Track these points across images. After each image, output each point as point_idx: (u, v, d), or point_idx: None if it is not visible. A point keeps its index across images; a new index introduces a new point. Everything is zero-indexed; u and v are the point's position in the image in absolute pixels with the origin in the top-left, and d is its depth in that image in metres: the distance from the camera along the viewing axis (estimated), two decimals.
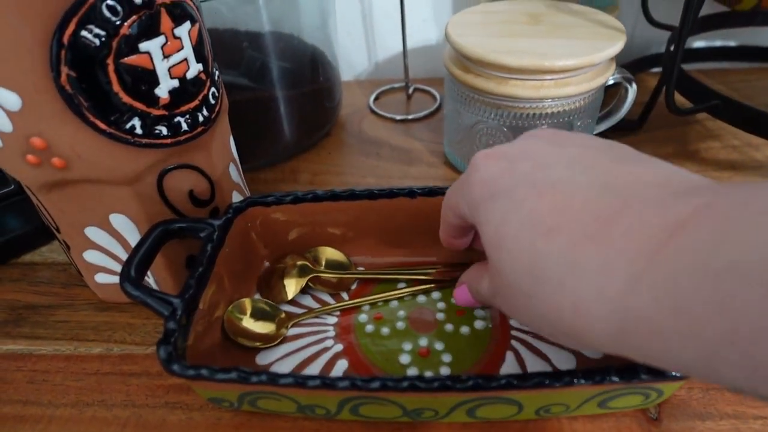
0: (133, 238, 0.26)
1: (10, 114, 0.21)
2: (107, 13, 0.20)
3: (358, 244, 0.29)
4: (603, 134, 0.37)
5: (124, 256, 0.27)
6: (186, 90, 0.24)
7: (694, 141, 0.39)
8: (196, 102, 0.25)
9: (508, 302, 0.18)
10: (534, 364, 0.24)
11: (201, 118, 0.25)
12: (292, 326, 0.26)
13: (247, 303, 0.26)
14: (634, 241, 0.13)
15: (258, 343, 0.25)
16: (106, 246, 0.27)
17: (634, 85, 0.35)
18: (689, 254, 0.12)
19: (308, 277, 0.27)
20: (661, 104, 0.36)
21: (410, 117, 0.44)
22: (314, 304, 0.27)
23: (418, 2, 0.48)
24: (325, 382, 0.19)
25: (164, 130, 0.24)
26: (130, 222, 0.26)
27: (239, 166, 0.31)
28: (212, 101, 0.26)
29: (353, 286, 0.28)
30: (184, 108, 0.24)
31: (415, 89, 0.48)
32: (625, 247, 0.13)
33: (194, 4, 0.24)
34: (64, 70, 0.20)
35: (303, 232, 0.29)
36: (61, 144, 0.22)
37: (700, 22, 0.43)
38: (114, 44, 0.20)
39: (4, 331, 0.28)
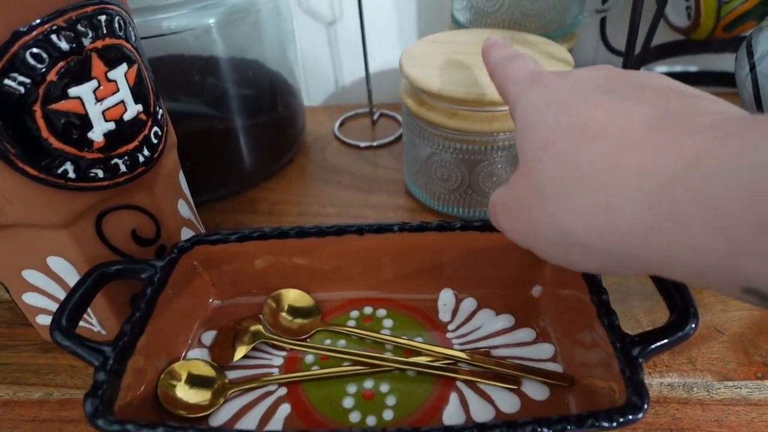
0: (73, 279, 0.26)
1: None
2: (32, 61, 0.20)
3: (314, 278, 0.29)
4: None
5: (62, 298, 0.26)
6: (123, 132, 0.24)
7: None
8: (135, 143, 0.24)
9: (521, 214, 0.19)
10: (478, 406, 0.23)
11: (142, 159, 0.25)
12: (231, 392, 0.25)
13: (183, 368, 0.24)
14: (679, 145, 0.14)
15: (192, 413, 0.23)
16: (45, 288, 0.26)
17: None
18: (732, 157, 0.12)
19: (257, 342, 0.27)
20: None
21: (374, 144, 0.44)
22: (266, 356, 0.26)
23: (384, 28, 0.48)
24: None
25: (100, 173, 0.23)
26: (68, 264, 0.25)
27: (190, 200, 0.31)
28: (154, 140, 0.26)
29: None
30: (121, 150, 0.24)
31: (381, 115, 0.48)
32: (668, 150, 0.14)
33: (132, 44, 0.24)
34: None
35: (252, 269, 0.28)
36: None
37: (658, 50, 0.44)
38: (41, 91, 0.20)
39: None
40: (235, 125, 0.40)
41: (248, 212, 0.38)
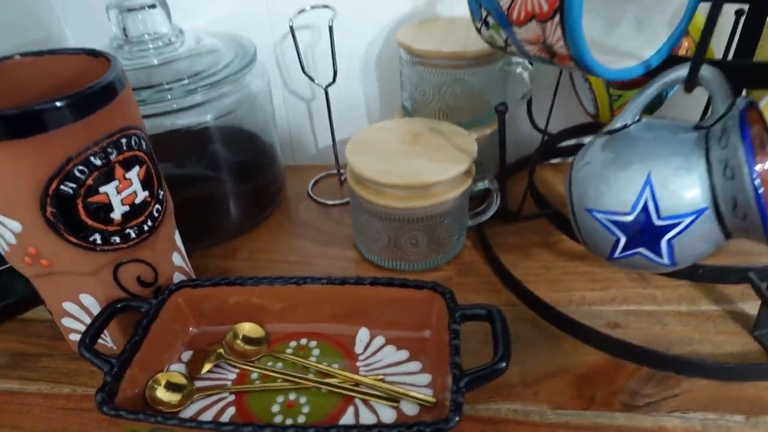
0: (96, 310, 0.37)
1: (15, 233, 0.32)
2: (77, 174, 0.31)
3: (266, 315, 0.39)
4: (482, 225, 0.47)
5: (89, 323, 0.37)
6: (134, 211, 0.35)
7: (555, 232, 0.48)
8: (142, 218, 0.35)
9: None
10: (366, 417, 0.33)
11: (146, 228, 0.36)
12: (197, 396, 0.35)
13: (164, 377, 0.35)
14: None
15: (167, 409, 0.34)
16: (77, 315, 0.37)
17: (498, 197, 0.45)
18: None
19: (219, 361, 0.37)
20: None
21: (340, 202, 0.55)
22: (224, 372, 0.37)
23: (353, 105, 0.59)
24: (199, 423, 0.29)
25: (117, 239, 0.34)
26: (93, 299, 0.36)
27: (182, 252, 0.42)
28: (156, 214, 0.37)
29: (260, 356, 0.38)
30: (132, 223, 0.35)
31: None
32: None
33: (143, 152, 0.35)
34: (49, 209, 0.31)
35: (221, 306, 0.39)
36: (46, 251, 0.33)
37: (575, 129, 0.53)
38: (82, 191, 0.31)
39: (3, 372, 0.39)
40: (226, 185, 0.51)
41: (230, 259, 0.49)
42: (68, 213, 0.31)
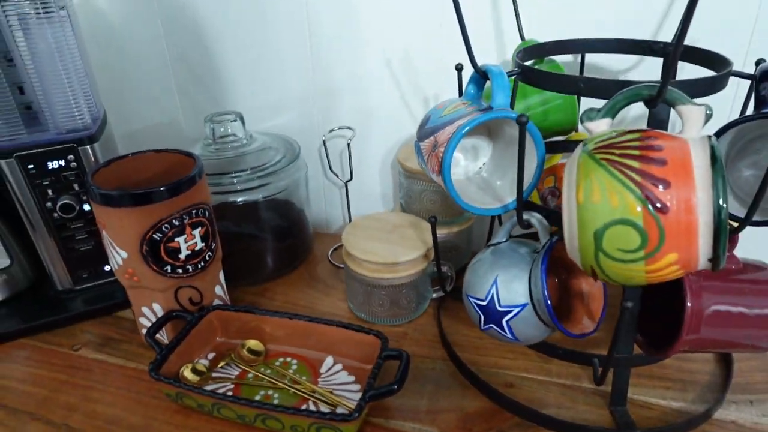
0: (160, 315, 0.56)
1: (122, 258, 0.53)
2: (164, 228, 0.51)
3: (269, 337, 0.57)
4: (444, 298, 0.62)
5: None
6: (194, 255, 0.54)
7: None
8: (198, 260, 0.55)
9: None
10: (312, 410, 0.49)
11: (200, 266, 0.55)
12: (210, 381, 0.53)
13: (193, 365, 0.53)
14: None
15: (189, 384, 0.52)
16: (149, 316, 0.57)
17: (454, 279, 0.60)
18: None
19: (229, 361, 0.55)
20: None
21: None
22: (231, 370, 0.55)
23: (371, 192, 0.78)
24: (203, 391, 0.46)
25: (180, 271, 0.54)
26: (160, 307, 0.56)
27: (223, 286, 0.61)
28: (207, 258, 0.56)
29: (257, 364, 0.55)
30: (192, 262, 0.55)
31: None
32: None
33: (206, 218, 0.55)
34: (144, 247, 0.51)
35: (240, 325, 0.57)
36: (138, 272, 0.53)
37: None
38: (164, 239, 0.52)
39: (100, 349, 0.59)
40: (267, 242, 0.71)
41: (260, 296, 0.67)
42: (154, 251, 0.52)
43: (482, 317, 0.44)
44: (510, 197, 0.45)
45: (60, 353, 0.59)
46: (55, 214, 0.61)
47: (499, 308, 0.42)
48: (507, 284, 0.42)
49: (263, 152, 0.68)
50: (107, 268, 0.67)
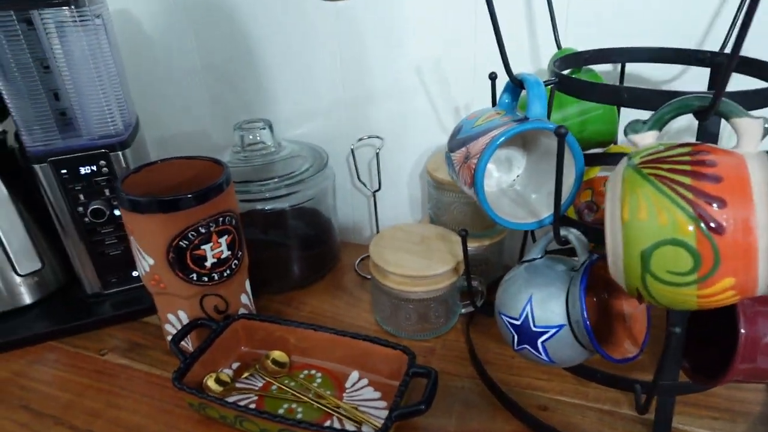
0: (186, 322, 0.56)
1: (149, 265, 0.52)
2: (190, 236, 0.51)
3: (293, 348, 0.56)
4: (473, 314, 0.60)
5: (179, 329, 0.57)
6: (220, 263, 0.54)
7: None
8: (224, 268, 0.55)
9: None
10: (336, 427, 0.47)
11: (225, 274, 0.55)
12: (233, 392, 0.52)
13: (216, 375, 0.52)
14: None
15: (212, 394, 0.51)
16: (174, 323, 0.57)
17: (484, 295, 0.58)
18: None
19: (253, 372, 0.54)
20: None
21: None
22: (255, 381, 0.54)
23: (399, 202, 0.76)
24: (226, 403, 0.45)
25: (206, 279, 0.54)
26: (185, 315, 0.55)
27: (249, 294, 0.61)
28: (233, 267, 0.56)
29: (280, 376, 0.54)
30: (218, 270, 0.54)
31: None
32: None
33: (233, 226, 0.55)
34: (171, 254, 0.51)
35: (265, 335, 0.56)
36: (164, 279, 0.53)
37: None
38: (191, 246, 0.51)
39: (126, 355, 0.59)
40: (293, 251, 0.70)
41: (285, 305, 0.66)
42: (180, 258, 0.51)
43: (516, 337, 0.42)
44: (546, 211, 0.43)
45: (87, 357, 0.59)
46: (86, 219, 0.61)
47: (534, 328, 0.40)
48: (542, 303, 0.40)
49: (291, 160, 0.68)
50: (135, 273, 0.67)
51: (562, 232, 0.41)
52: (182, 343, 0.54)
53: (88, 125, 0.58)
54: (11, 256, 0.56)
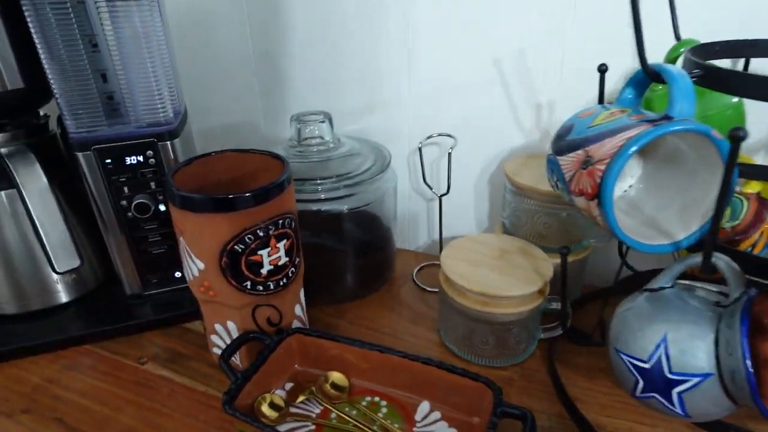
0: (234, 334, 0.50)
1: (199, 270, 0.47)
2: (246, 240, 0.45)
3: (353, 369, 0.49)
4: (553, 340, 0.53)
5: (228, 342, 0.51)
6: (276, 270, 0.48)
7: None
8: (280, 276, 0.49)
9: None
10: None
11: (281, 283, 0.49)
12: (288, 418, 0.46)
13: (269, 397, 0.46)
14: None
15: (267, 421, 0.45)
16: (221, 335, 0.51)
17: (570, 319, 0.51)
18: None
19: (310, 396, 0.48)
20: None
21: (434, 290, 0.64)
22: (312, 406, 0.47)
23: (463, 207, 0.69)
24: None
25: (260, 288, 0.48)
26: (235, 326, 0.50)
27: (303, 305, 0.54)
28: (290, 275, 0.50)
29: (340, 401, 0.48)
30: (273, 278, 0.48)
31: None
32: None
33: (292, 230, 0.48)
34: (224, 259, 0.45)
35: (321, 353, 0.50)
36: (215, 286, 0.47)
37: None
38: (246, 251, 0.45)
39: (167, 365, 0.54)
40: (348, 257, 0.64)
41: (339, 318, 0.60)
42: (234, 264, 0.45)
43: (641, 382, 0.34)
44: (680, 231, 0.36)
45: (126, 366, 0.54)
46: (129, 214, 0.56)
47: (669, 375, 0.33)
48: (682, 346, 0.32)
49: (351, 158, 0.61)
50: (178, 274, 0.61)
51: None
52: (232, 359, 0.49)
53: (136, 111, 0.53)
54: (49, 251, 0.51)
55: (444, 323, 0.55)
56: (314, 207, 0.59)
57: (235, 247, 0.45)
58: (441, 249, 0.66)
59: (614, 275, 0.63)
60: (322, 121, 0.60)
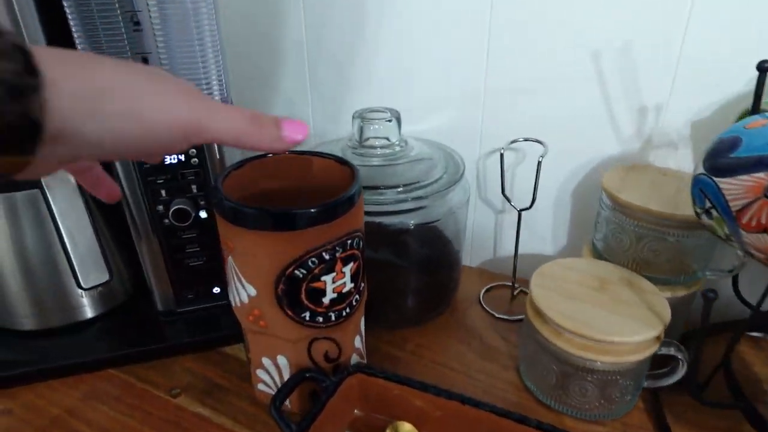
0: (285, 371, 0.42)
1: (249, 296, 0.39)
2: (310, 263, 0.37)
3: (426, 420, 0.41)
4: (659, 389, 0.44)
5: (277, 380, 0.43)
6: (340, 299, 0.40)
7: (746, 426, 0.43)
8: (343, 305, 0.41)
9: None
10: None
11: (344, 313, 0.41)
12: None
13: None
14: None
15: None
16: (269, 370, 0.43)
17: (685, 366, 0.42)
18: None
19: None
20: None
21: (507, 317, 0.56)
22: None
23: (540, 223, 0.61)
24: None
25: (320, 319, 0.40)
26: (286, 362, 0.42)
27: (363, 336, 0.47)
28: (354, 303, 0.42)
29: None
30: (336, 308, 0.40)
31: (520, 291, 0.60)
32: None
33: (359, 250, 0.41)
34: (281, 286, 0.37)
35: (386, 398, 0.42)
36: (267, 316, 0.39)
37: None
38: (309, 277, 0.38)
39: (204, 401, 0.46)
40: (410, 277, 0.55)
41: (398, 347, 0.52)
42: (293, 292, 0.38)
43: None
44: None
45: (156, 398, 0.47)
46: (166, 221, 0.49)
47: None
48: None
49: (418, 165, 0.53)
50: (216, 290, 0.54)
51: None
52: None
53: None
54: (74, 263, 0.44)
55: (528, 364, 0.46)
56: (376, 220, 0.51)
57: (296, 272, 0.37)
58: (515, 270, 0.58)
59: (720, 311, 0.54)
60: (389, 120, 0.52)
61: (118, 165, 0.45)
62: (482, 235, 0.65)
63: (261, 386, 0.45)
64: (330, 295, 0.39)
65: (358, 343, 0.46)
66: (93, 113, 0.21)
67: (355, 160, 0.52)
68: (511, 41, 0.54)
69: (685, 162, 0.51)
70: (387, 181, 0.51)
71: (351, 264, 0.40)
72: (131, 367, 0.50)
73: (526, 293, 0.60)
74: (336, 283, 0.39)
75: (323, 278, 0.38)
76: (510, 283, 0.60)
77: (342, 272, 0.39)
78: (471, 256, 0.67)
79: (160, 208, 0.48)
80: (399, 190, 0.50)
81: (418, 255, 0.55)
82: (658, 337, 0.41)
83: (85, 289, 0.46)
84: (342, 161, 0.42)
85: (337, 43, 0.62)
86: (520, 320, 0.56)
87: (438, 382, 0.46)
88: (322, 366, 0.43)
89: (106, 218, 0.51)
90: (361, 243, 0.41)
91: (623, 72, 0.51)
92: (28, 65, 0.19)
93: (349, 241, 0.39)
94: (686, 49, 0.47)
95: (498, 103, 0.57)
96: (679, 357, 0.42)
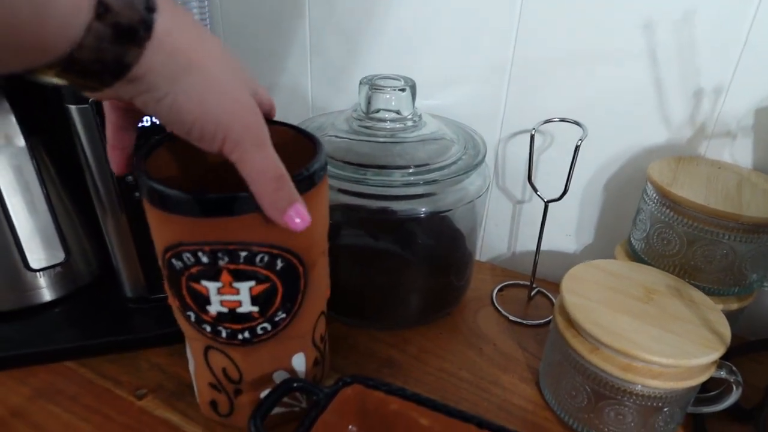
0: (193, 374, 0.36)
1: None
2: (185, 258, 0.30)
3: None
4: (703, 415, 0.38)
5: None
6: (234, 318, 0.32)
7: None
8: (240, 326, 0.33)
9: None
10: None
11: (240, 337, 0.33)
12: None
13: None
14: None
15: None
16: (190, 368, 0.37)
17: (740, 389, 0.36)
18: None
19: None
20: None
21: (523, 321, 0.49)
22: None
23: (565, 217, 0.54)
24: None
25: (208, 329, 0.33)
26: (193, 361, 0.35)
27: (296, 374, 0.37)
28: (259, 332, 0.33)
29: None
30: (227, 325, 0.33)
31: (538, 292, 0.53)
32: None
33: (274, 271, 0.31)
34: (165, 270, 0.31)
35: (385, 413, 0.35)
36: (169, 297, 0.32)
37: None
38: (186, 273, 0.30)
39: (173, 404, 0.40)
40: (415, 271, 0.49)
41: (399, 350, 0.46)
42: (175, 281, 0.32)
43: None
44: None
45: (117, 399, 0.40)
46: (137, 193, 0.42)
47: None
48: None
49: (433, 144, 0.46)
50: None
51: None
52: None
53: None
54: (21, 240, 0.37)
55: (553, 379, 0.40)
56: (378, 204, 0.44)
57: (173, 260, 0.30)
58: (534, 268, 0.52)
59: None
60: (402, 89, 0.45)
61: (78, 123, 0.38)
62: (496, 228, 0.58)
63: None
64: (217, 307, 0.32)
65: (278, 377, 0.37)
66: (174, 79, 0.23)
67: (359, 134, 0.46)
68: (547, 3, 0.46)
69: (743, 155, 0.44)
70: (395, 160, 0.44)
71: (251, 283, 0.31)
72: (91, 360, 0.43)
73: (544, 294, 0.53)
74: (224, 296, 0.31)
75: (203, 282, 0.31)
76: (526, 283, 0.54)
77: (233, 287, 0.31)
78: (482, 250, 0.60)
79: (129, 177, 0.41)
80: (410, 171, 0.43)
81: (426, 247, 0.48)
82: (715, 361, 0.34)
83: (33, 270, 0.39)
84: (304, 133, 0.35)
85: (340, 7, 0.55)
86: (540, 325, 0.49)
87: (444, 393, 0.40)
88: (221, 380, 0.36)
89: (64, 187, 0.44)
90: (278, 264, 0.31)
91: (681, 48, 0.43)
92: (145, 20, 0.21)
93: (242, 253, 0.30)
94: (757, 25, 0.40)
95: (527, 77, 0.49)
96: (731, 380, 0.36)
